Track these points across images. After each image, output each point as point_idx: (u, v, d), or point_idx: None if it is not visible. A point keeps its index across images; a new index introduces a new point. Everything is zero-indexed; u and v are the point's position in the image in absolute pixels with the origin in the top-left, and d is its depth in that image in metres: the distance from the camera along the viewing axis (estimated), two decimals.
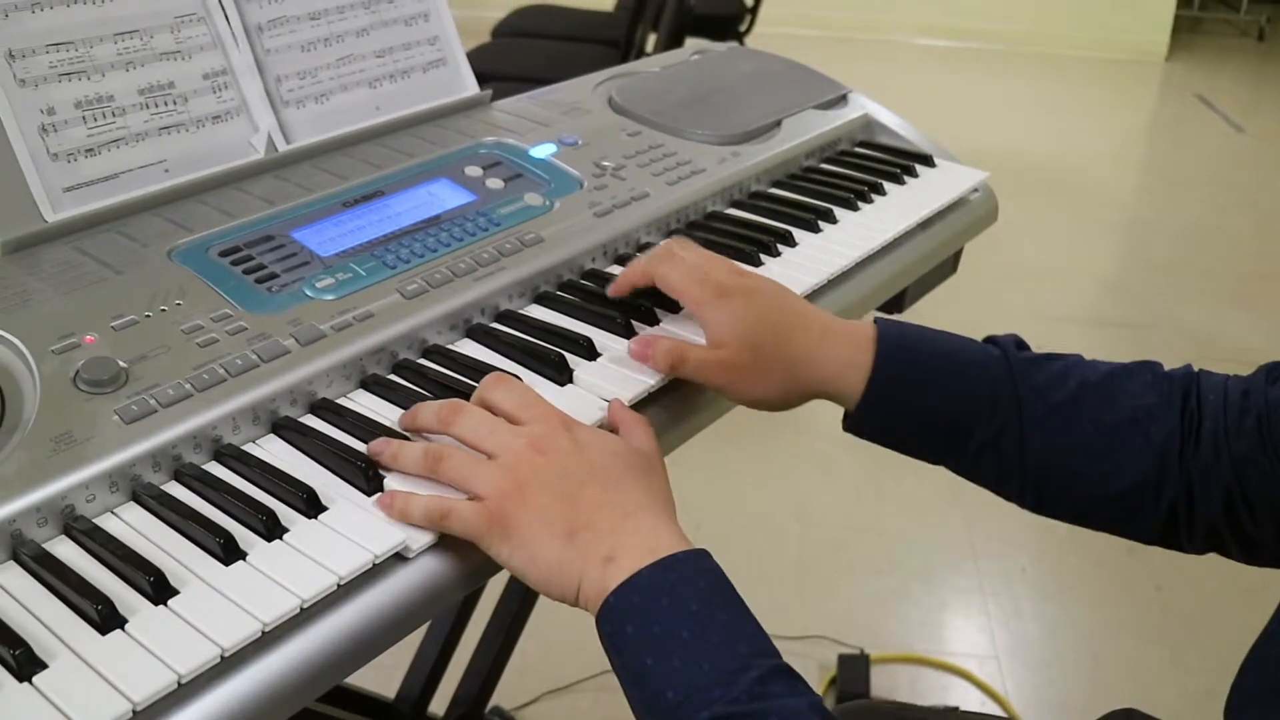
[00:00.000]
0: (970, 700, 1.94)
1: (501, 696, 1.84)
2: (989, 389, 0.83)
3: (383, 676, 1.41)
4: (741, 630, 0.64)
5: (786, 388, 0.85)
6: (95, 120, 0.93)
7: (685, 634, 0.63)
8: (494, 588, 1.44)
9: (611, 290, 0.91)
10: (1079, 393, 0.83)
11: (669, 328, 0.91)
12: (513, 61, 3.34)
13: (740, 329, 0.83)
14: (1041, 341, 0.87)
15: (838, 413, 0.89)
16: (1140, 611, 2.15)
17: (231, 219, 0.92)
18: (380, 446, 0.73)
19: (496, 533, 0.68)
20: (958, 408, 0.84)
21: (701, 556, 0.67)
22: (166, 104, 0.98)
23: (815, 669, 1.98)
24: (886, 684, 1.96)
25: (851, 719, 1.10)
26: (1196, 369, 0.84)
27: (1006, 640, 2.08)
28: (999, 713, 1.91)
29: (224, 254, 0.87)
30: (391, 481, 0.71)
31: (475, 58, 3.41)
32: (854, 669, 1.94)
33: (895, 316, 1.25)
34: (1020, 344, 0.87)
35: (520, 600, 1.42)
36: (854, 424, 0.87)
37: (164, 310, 0.80)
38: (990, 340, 0.87)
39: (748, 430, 2.52)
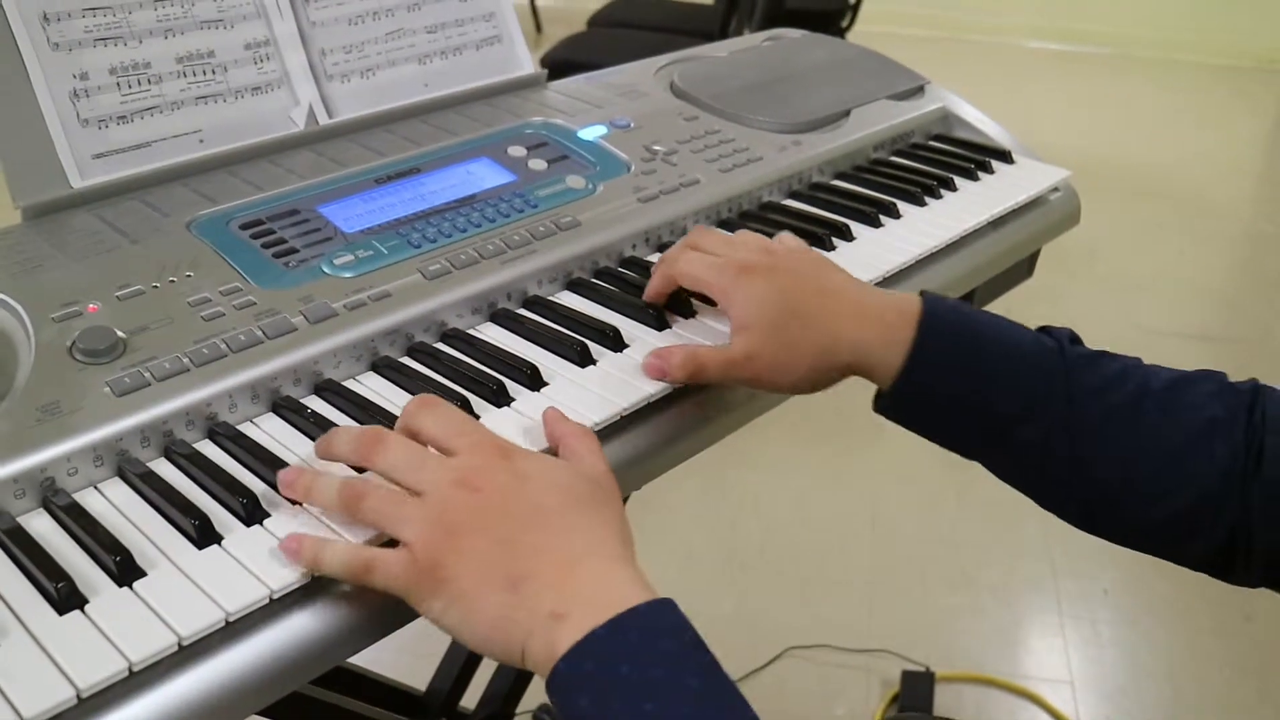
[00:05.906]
0: None
1: None
2: (1038, 383, 0.75)
3: (411, 664, 1.38)
4: (718, 698, 0.55)
5: (817, 368, 0.78)
6: (130, 87, 0.91)
7: (649, 707, 0.54)
8: None
9: (647, 298, 0.86)
10: (1138, 398, 0.74)
11: (707, 321, 0.86)
12: (606, 51, 3.30)
13: (763, 309, 0.77)
14: (1137, 353, 0.79)
15: None
16: (1227, 642, 2.04)
17: (260, 192, 0.90)
18: (291, 477, 0.64)
19: (426, 586, 0.59)
20: (1001, 400, 0.75)
21: (664, 610, 0.57)
22: (205, 73, 0.95)
23: (878, 684, 1.92)
24: (952, 704, 1.88)
25: None
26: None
27: (1082, 665, 1.98)
28: None
29: (245, 227, 0.84)
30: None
31: (568, 47, 3.39)
32: (918, 686, 1.87)
33: None
34: (1074, 338, 0.79)
35: None
36: (885, 405, 0.80)
37: (173, 281, 0.77)
38: (1044, 330, 0.79)
39: (825, 432, 2.45)
